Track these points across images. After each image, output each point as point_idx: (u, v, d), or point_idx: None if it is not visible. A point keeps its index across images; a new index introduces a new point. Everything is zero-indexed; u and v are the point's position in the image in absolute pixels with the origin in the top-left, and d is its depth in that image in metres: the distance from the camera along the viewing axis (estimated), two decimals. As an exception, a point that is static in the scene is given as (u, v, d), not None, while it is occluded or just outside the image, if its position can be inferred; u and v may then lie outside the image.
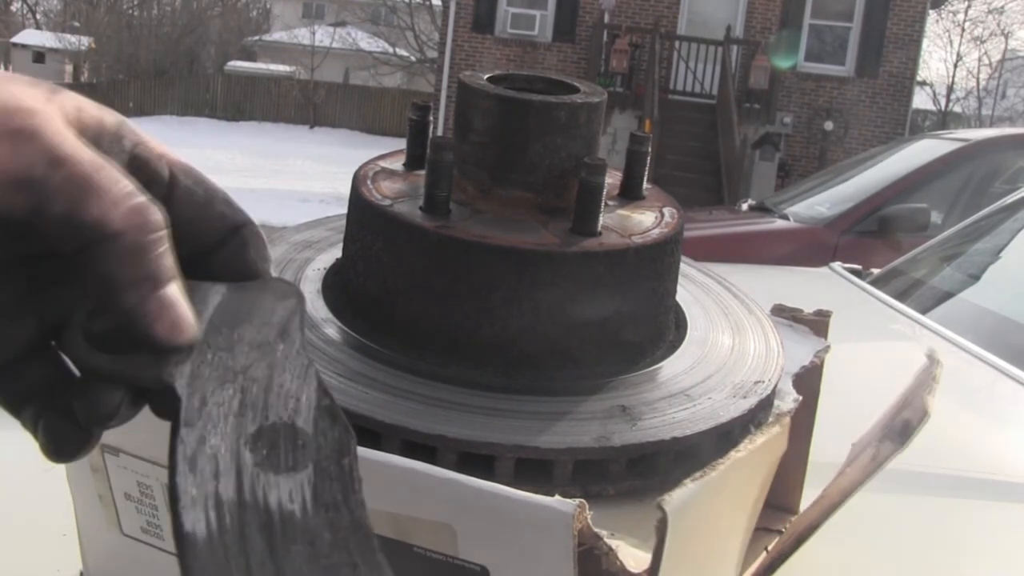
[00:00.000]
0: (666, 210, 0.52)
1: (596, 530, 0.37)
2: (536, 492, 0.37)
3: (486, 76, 0.51)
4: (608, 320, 0.47)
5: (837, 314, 0.62)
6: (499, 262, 0.45)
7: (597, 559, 0.37)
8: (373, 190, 0.49)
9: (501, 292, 0.45)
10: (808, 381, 0.54)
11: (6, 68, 24.46)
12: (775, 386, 0.49)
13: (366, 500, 0.30)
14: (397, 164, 0.54)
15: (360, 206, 0.49)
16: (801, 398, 0.51)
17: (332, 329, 0.48)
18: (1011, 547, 0.73)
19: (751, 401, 0.46)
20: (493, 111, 0.49)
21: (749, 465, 0.49)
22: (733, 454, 0.45)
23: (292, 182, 12.90)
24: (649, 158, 0.53)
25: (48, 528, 0.60)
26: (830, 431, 0.61)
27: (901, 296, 1.44)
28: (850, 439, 0.58)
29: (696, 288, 0.58)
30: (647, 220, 0.50)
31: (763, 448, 0.49)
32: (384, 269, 0.48)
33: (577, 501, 0.36)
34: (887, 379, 1.10)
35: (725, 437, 0.45)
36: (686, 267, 0.59)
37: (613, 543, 0.37)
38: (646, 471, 0.43)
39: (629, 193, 0.53)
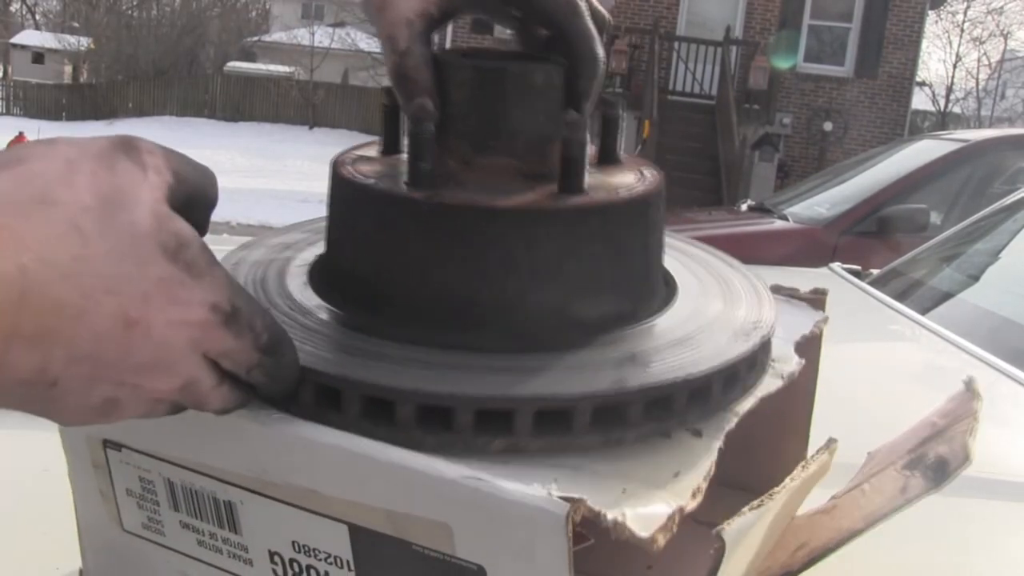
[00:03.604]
0: (645, 170, 0.52)
1: (595, 508, 0.36)
2: (557, 443, 0.40)
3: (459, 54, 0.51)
4: (604, 275, 0.47)
5: (836, 315, 0.62)
6: (493, 225, 0.45)
7: (606, 531, 0.36)
8: (355, 173, 0.49)
9: (498, 254, 0.45)
10: (808, 350, 0.55)
11: (5, 68, 24.47)
12: (772, 325, 0.50)
13: (365, 495, 0.29)
14: (373, 151, 0.54)
15: (345, 188, 0.49)
16: (804, 361, 0.52)
17: (326, 314, 0.48)
18: (1011, 547, 0.73)
19: (753, 340, 0.48)
20: (470, 82, 0.49)
21: (800, 491, 0.52)
22: (788, 483, 0.47)
23: (291, 182, 12.90)
24: (623, 122, 0.53)
25: (48, 525, 0.60)
26: (830, 431, 0.61)
27: (900, 296, 1.45)
28: (850, 439, 0.58)
29: (678, 253, 0.59)
30: (629, 179, 0.50)
31: (813, 475, 0.52)
32: (376, 247, 0.47)
33: (570, 503, 0.36)
34: (887, 379, 1.11)
35: (732, 377, 0.46)
36: (666, 237, 0.59)
37: (617, 513, 0.37)
38: (662, 414, 0.43)
39: (606, 159, 0.53)
